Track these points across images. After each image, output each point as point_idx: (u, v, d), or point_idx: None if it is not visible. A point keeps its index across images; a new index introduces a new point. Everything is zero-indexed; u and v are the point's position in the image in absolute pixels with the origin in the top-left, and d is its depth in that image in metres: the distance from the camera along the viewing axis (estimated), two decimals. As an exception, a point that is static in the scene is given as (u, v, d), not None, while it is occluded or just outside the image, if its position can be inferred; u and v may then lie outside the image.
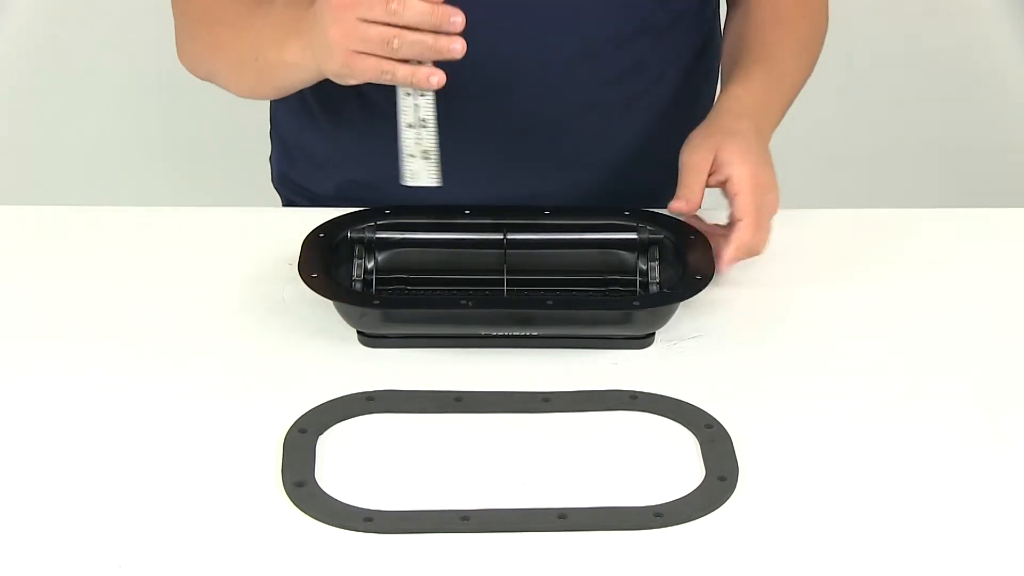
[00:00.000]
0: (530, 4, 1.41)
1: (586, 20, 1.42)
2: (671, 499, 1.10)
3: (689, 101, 1.52)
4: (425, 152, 1.17)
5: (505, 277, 1.31)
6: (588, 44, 1.43)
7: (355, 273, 1.31)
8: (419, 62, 1.22)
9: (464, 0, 1.40)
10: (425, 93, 1.15)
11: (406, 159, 1.17)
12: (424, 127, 1.16)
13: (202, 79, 1.48)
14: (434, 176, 1.17)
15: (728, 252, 1.30)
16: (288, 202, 1.58)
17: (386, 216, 1.33)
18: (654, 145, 1.50)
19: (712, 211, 1.45)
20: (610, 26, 1.43)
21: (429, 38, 1.21)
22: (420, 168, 1.17)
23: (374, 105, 1.46)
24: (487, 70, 1.42)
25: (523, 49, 1.42)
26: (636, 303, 1.28)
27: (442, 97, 1.37)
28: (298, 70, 1.35)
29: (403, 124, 1.16)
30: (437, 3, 1.21)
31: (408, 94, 1.15)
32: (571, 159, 1.48)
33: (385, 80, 1.24)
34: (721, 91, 1.45)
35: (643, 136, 1.49)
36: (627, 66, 1.46)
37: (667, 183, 1.49)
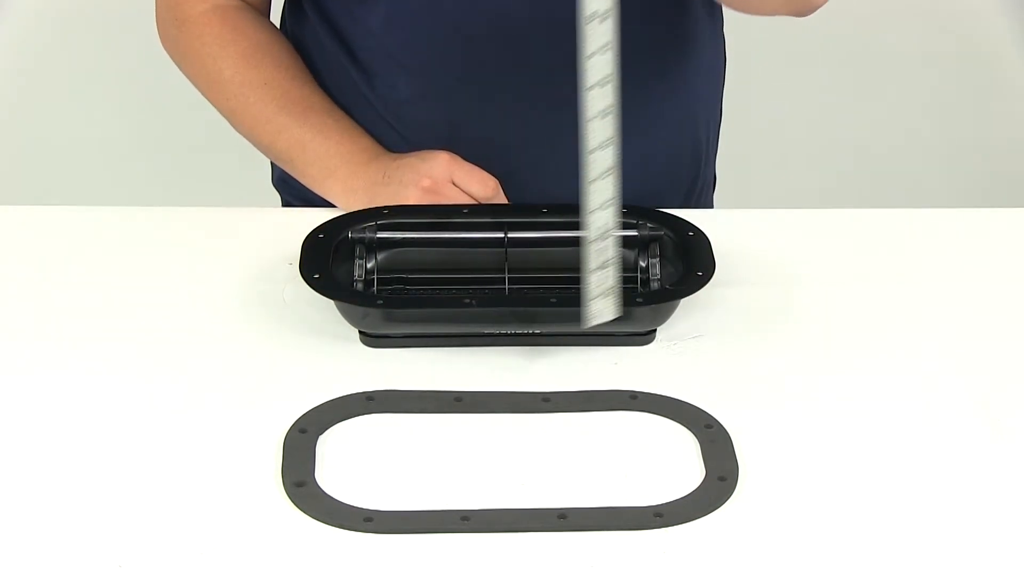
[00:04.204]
0: (524, 10, 1.41)
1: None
2: (671, 499, 1.10)
3: (695, 109, 1.52)
4: (608, 290, 1.19)
5: (507, 275, 1.32)
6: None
7: (356, 273, 1.31)
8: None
9: (455, 8, 1.40)
10: (607, 236, 1.17)
11: (590, 303, 1.19)
12: (606, 267, 1.18)
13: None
14: (618, 308, 1.20)
15: None
16: (287, 204, 1.59)
17: (385, 216, 1.33)
18: (657, 153, 1.49)
19: (718, 211, 1.45)
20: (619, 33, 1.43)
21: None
22: (604, 306, 1.20)
23: (379, 116, 1.46)
24: (480, 78, 1.42)
25: (516, 57, 1.42)
26: (639, 299, 1.28)
27: (436, 105, 1.43)
28: (319, 190, 1.43)
29: (588, 271, 1.18)
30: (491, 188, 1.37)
31: (592, 240, 1.17)
32: (572, 167, 1.47)
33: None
34: None
35: (646, 144, 1.49)
36: (627, 74, 1.45)
37: (670, 190, 1.49)
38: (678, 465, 1.14)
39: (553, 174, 1.47)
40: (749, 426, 1.17)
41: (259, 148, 1.47)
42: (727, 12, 1.56)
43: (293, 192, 1.54)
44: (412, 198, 1.35)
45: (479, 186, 1.36)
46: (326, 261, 1.27)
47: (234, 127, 1.48)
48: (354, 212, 1.34)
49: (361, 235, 1.32)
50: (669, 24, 1.46)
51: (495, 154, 1.44)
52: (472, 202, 1.36)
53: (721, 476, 1.12)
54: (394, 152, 1.43)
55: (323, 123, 1.43)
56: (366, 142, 1.43)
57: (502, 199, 1.38)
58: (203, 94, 1.48)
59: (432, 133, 1.44)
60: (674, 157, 1.52)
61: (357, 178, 1.40)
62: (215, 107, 1.48)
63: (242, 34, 1.46)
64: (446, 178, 1.36)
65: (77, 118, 2.55)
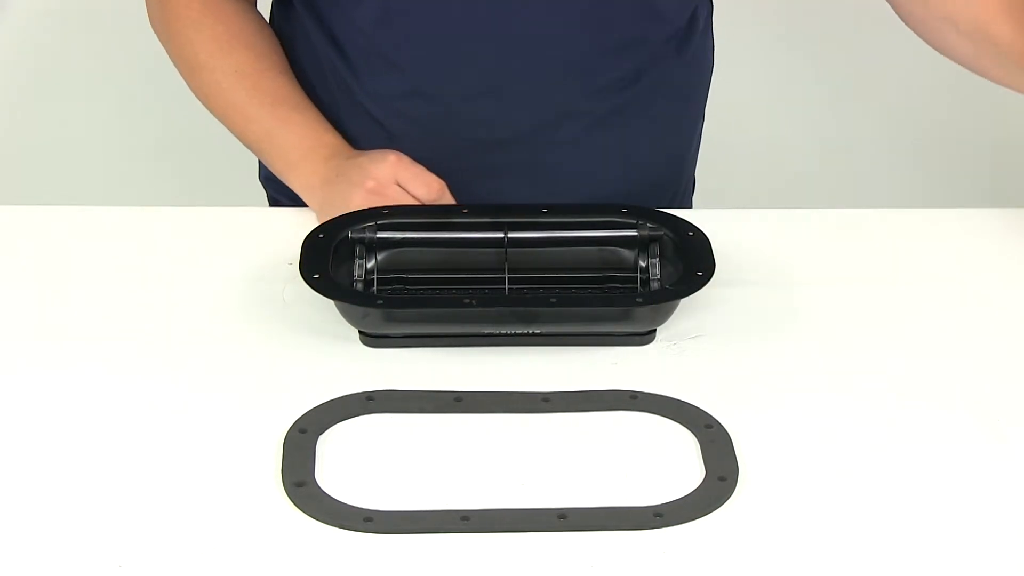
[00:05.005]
0: (516, 13, 1.41)
1: (573, 31, 1.42)
2: (671, 499, 1.10)
3: (674, 117, 1.52)
4: None
5: (507, 275, 1.32)
6: (573, 56, 1.43)
7: (355, 273, 1.31)
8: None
9: (449, 8, 1.41)
10: None
11: None
12: None
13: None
14: None
15: None
16: (273, 201, 1.59)
17: (385, 216, 1.33)
18: (637, 159, 1.50)
19: (718, 211, 1.45)
20: (597, 39, 1.43)
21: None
22: None
23: (364, 111, 1.46)
24: (470, 78, 1.42)
25: (507, 58, 1.42)
26: (639, 299, 1.28)
27: (426, 103, 1.43)
28: (284, 181, 1.45)
29: None
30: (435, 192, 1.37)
31: None
32: (553, 169, 1.48)
33: None
34: None
35: (626, 150, 1.49)
36: (612, 80, 1.45)
37: (648, 195, 1.49)
38: (678, 465, 1.14)
39: (539, 175, 1.47)
40: (749, 426, 1.17)
41: (233, 134, 1.48)
42: (718, 12, 1.56)
43: (278, 188, 1.54)
44: (357, 197, 1.35)
45: (423, 188, 1.36)
46: (326, 261, 1.27)
47: (209, 111, 1.49)
48: (354, 212, 1.34)
49: (361, 235, 1.32)
50: (665, 27, 1.46)
51: (481, 153, 1.45)
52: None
53: (721, 476, 1.12)
54: (383, 147, 1.43)
55: (289, 117, 1.44)
56: (329, 138, 1.43)
57: (448, 201, 1.38)
58: (182, 76, 1.49)
59: (417, 130, 1.45)
60: (657, 162, 1.52)
61: (315, 175, 1.41)
62: (191, 90, 1.49)
63: (219, 20, 1.47)
64: (391, 180, 1.36)
65: (77, 118, 2.55)
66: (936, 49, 1.50)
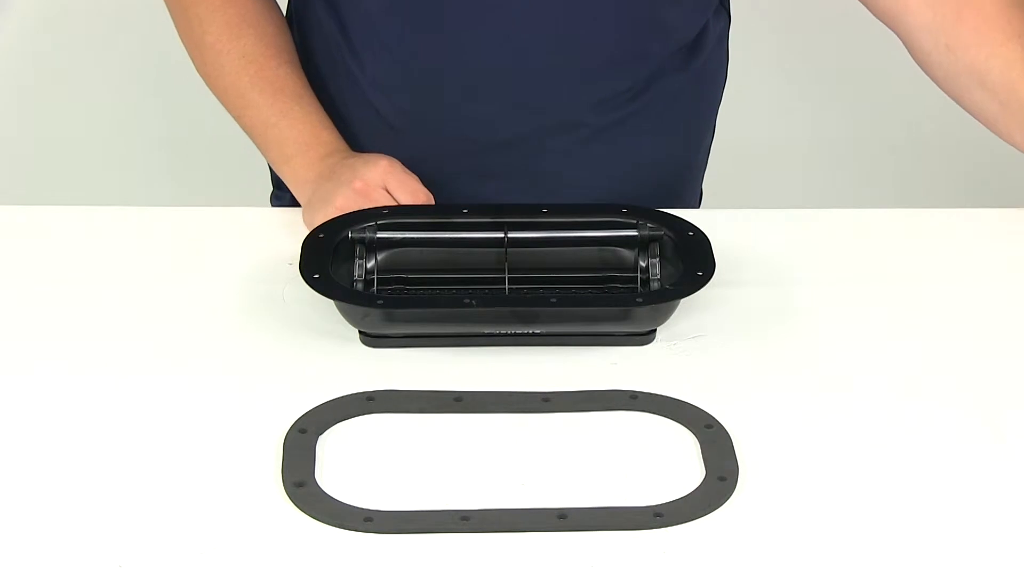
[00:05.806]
0: (522, 15, 1.41)
1: (580, 38, 1.42)
2: (671, 499, 1.10)
3: (680, 129, 1.52)
4: None
5: (507, 275, 1.32)
6: (579, 62, 1.43)
7: (355, 273, 1.31)
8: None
9: (454, 10, 1.41)
10: None
11: None
12: None
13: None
14: None
15: None
16: (276, 185, 1.59)
17: (385, 216, 1.33)
18: (639, 169, 1.49)
19: (718, 211, 1.45)
20: (604, 49, 1.43)
21: None
22: None
23: (366, 100, 1.46)
24: (473, 77, 1.42)
25: (510, 60, 1.42)
26: (639, 299, 1.28)
27: (428, 99, 1.43)
28: (276, 168, 1.45)
29: None
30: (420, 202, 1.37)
31: None
32: (552, 176, 1.48)
33: None
34: None
35: (628, 160, 1.49)
36: (617, 90, 1.45)
37: (651, 204, 1.49)
38: (678, 465, 1.14)
39: (539, 181, 1.47)
40: (749, 426, 1.17)
41: (231, 116, 1.48)
42: (733, 18, 1.56)
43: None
44: (342, 196, 1.35)
45: (409, 197, 1.36)
46: (326, 261, 1.27)
47: (210, 89, 1.48)
48: (354, 212, 1.34)
49: (361, 235, 1.32)
50: (673, 41, 1.46)
51: (480, 155, 1.45)
52: None
53: (721, 476, 1.12)
54: (385, 141, 1.43)
55: (289, 109, 1.44)
56: (327, 136, 1.43)
57: None
58: (186, 50, 1.49)
59: (416, 124, 1.45)
60: (660, 173, 1.51)
61: (309, 170, 1.41)
62: (195, 66, 1.49)
63: (231, 3, 1.47)
64: (379, 183, 1.36)
65: (78, 118, 2.55)
66: (960, 104, 1.46)
